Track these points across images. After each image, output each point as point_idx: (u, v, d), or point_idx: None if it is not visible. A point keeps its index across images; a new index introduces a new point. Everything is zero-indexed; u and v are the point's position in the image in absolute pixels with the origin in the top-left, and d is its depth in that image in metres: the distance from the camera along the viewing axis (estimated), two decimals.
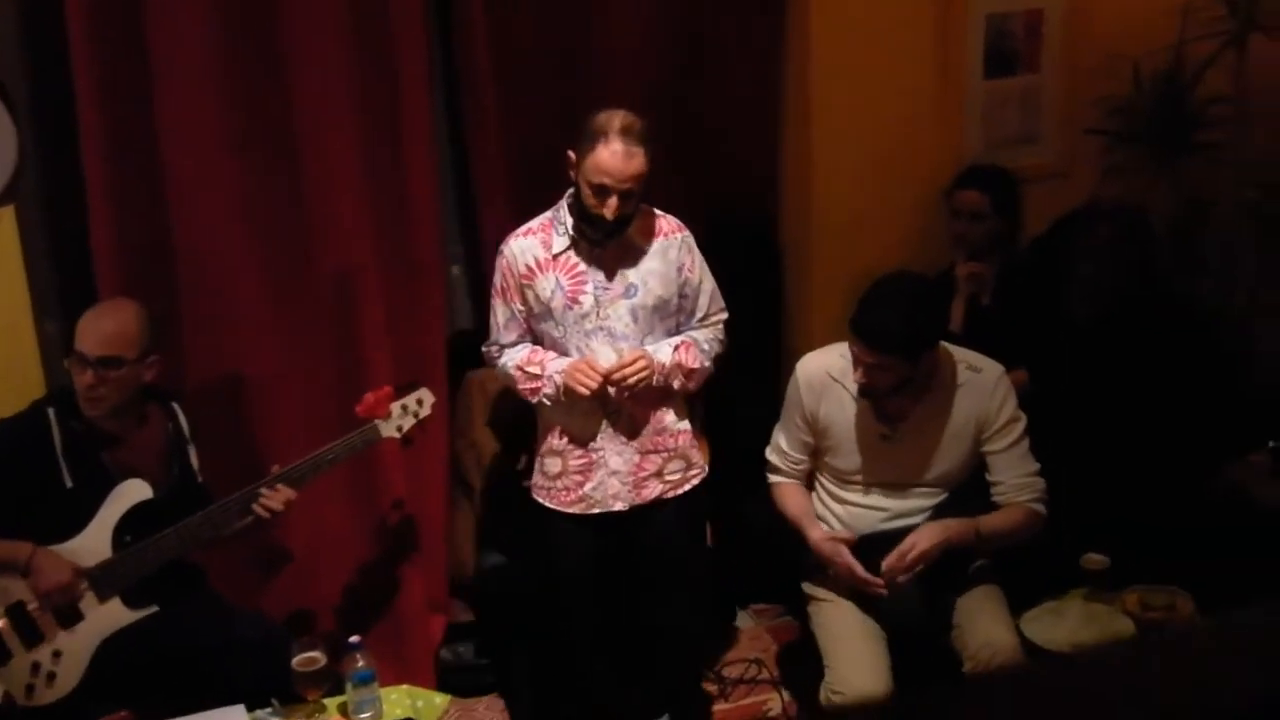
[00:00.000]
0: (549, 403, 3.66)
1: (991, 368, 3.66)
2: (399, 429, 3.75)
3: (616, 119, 3.46)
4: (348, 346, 4.16)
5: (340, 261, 4.10)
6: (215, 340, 4.04)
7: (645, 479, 3.74)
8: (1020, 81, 4.83)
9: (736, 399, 4.30)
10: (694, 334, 3.73)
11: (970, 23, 4.69)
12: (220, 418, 4.03)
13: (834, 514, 3.78)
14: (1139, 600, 3.86)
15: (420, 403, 3.80)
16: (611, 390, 3.59)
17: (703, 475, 3.83)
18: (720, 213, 4.45)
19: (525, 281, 3.63)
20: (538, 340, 3.73)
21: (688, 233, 3.70)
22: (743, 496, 4.12)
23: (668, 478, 3.77)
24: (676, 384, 3.67)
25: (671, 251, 3.64)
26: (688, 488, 3.81)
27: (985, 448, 3.64)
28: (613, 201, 3.46)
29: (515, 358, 3.70)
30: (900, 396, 3.58)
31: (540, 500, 3.81)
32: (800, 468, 3.83)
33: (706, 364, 3.73)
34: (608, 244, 3.58)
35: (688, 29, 4.43)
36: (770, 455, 3.87)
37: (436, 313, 4.28)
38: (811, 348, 3.89)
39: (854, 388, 3.61)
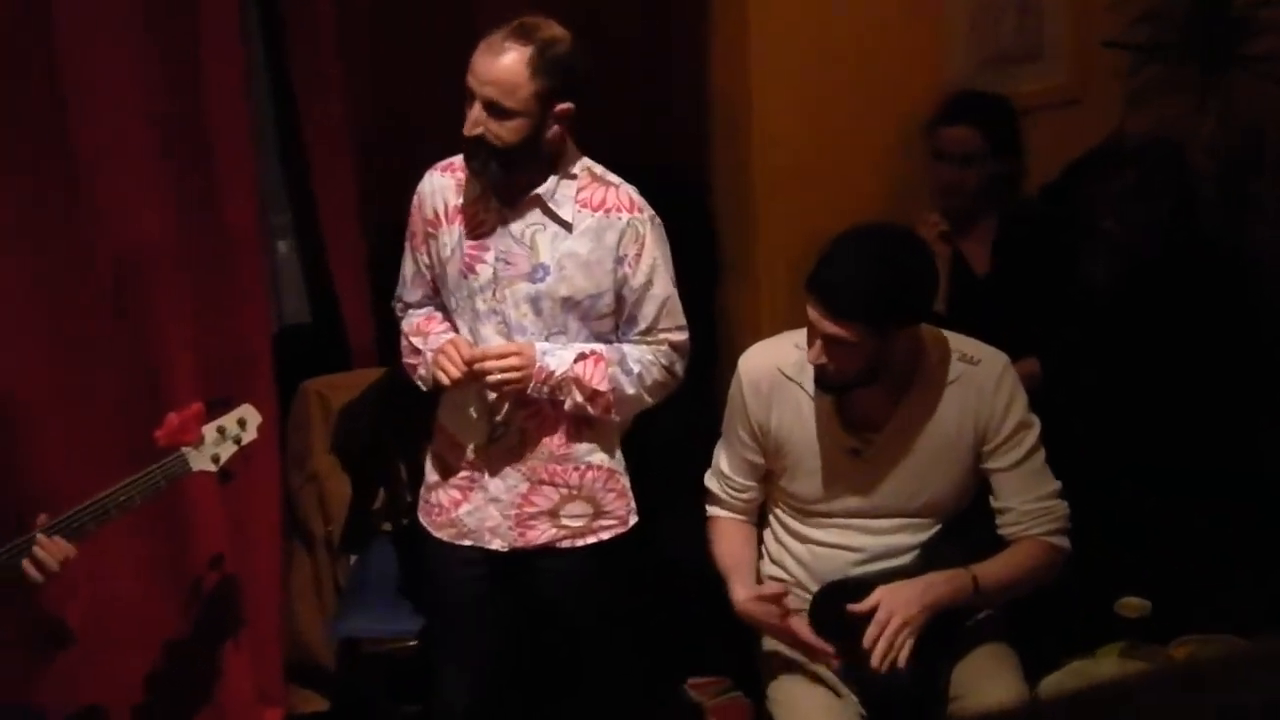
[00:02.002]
0: (424, 386, 3.72)
1: (992, 358, 3.67)
2: (214, 459, 3.75)
3: (523, 18, 3.50)
4: (139, 352, 4.14)
5: (126, 241, 4.10)
6: None
7: (533, 517, 3.74)
8: None
9: (654, 409, 4.29)
10: (626, 348, 3.70)
11: None
12: None
13: (792, 555, 3.78)
14: (1191, 655, 3.89)
15: (241, 424, 3.79)
16: (490, 395, 3.61)
17: (619, 530, 3.82)
18: (624, 163, 4.42)
19: (431, 230, 3.69)
20: (445, 306, 3.78)
21: (647, 216, 3.66)
22: (666, 536, 4.13)
23: (565, 521, 3.76)
24: (569, 404, 3.64)
25: (610, 234, 3.61)
26: (593, 540, 3.79)
27: (987, 464, 3.65)
28: (473, 111, 3.46)
29: (411, 321, 3.79)
30: (871, 393, 3.57)
31: (420, 519, 3.87)
32: (746, 497, 3.83)
33: (630, 391, 3.69)
34: (507, 194, 3.57)
35: None
36: (709, 481, 3.88)
37: (258, 303, 4.28)
38: (757, 337, 3.90)
39: (813, 386, 3.64)
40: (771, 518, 3.85)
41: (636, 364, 3.69)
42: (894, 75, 4.71)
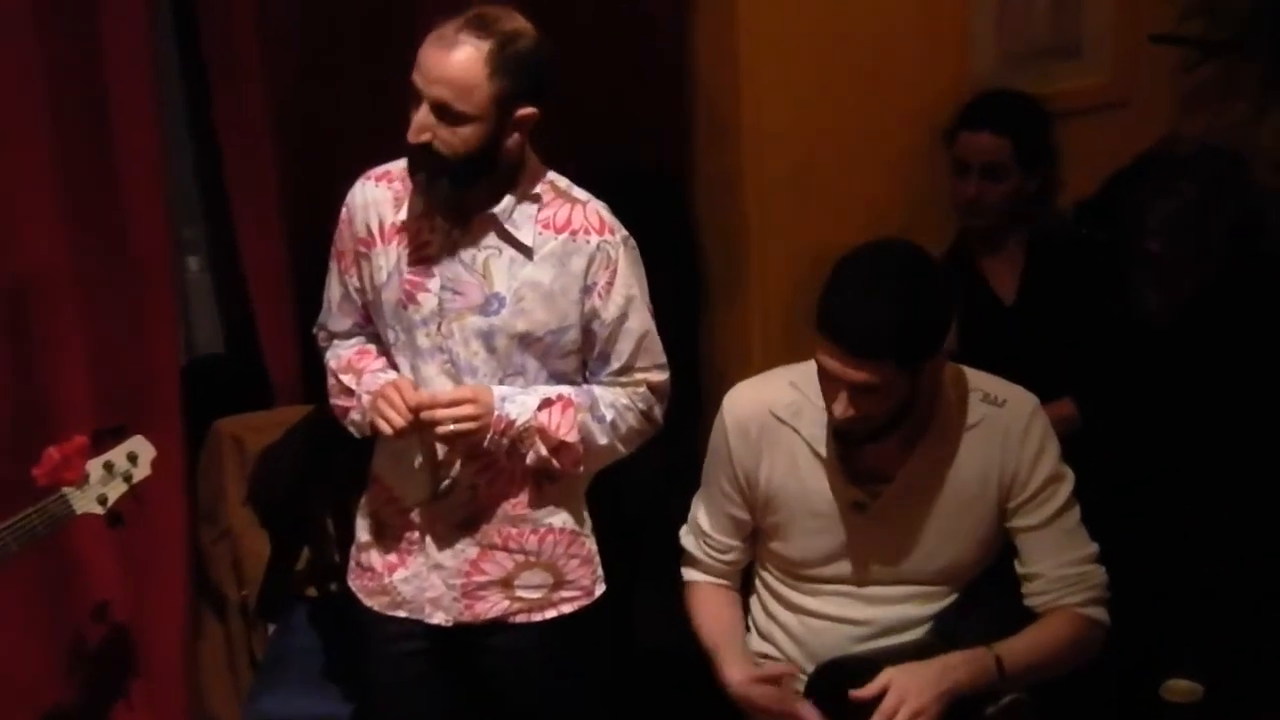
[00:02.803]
0: (357, 432, 3.68)
1: (1020, 399, 3.64)
2: (101, 500, 3.72)
3: (476, 9, 3.46)
4: (21, 376, 4.16)
5: (15, 254, 4.12)
6: None
7: (482, 587, 3.70)
8: None
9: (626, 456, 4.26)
10: (597, 391, 3.69)
11: None
12: None
13: (783, 628, 3.76)
14: None
15: (132, 459, 3.78)
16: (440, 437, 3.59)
17: (584, 603, 3.80)
18: (597, 168, 4.41)
19: (362, 249, 3.64)
20: (378, 336, 3.74)
21: (619, 238, 3.63)
22: (639, 606, 4.17)
23: (520, 593, 3.72)
24: (531, 458, 3.61)
25: (577, 259, 3.57)
26: (552, 614, 3.76)
27: (1013, 522, 3.61)
28: (419, 114, 3.41)
29: (338, 356, 3.75)
30: (883, 442, 3.55)
31: (350, 583, 3.85)
32: (729, 558, 3.80)
33: (601, 442, 3.67)
34: (456, 214, 3.53)
35: None
36: (685, 538, 3.86)
37: (164, 329, 4.29)
38: (747, 371, 3.91)
39: (810, 431, 3.62)
40: (759, 583, 3.83)
41: (609, 409, 3.67)
42: (908, 72, 4.73)
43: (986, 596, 3.65)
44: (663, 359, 3.74)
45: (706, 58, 4.72)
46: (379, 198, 3.61)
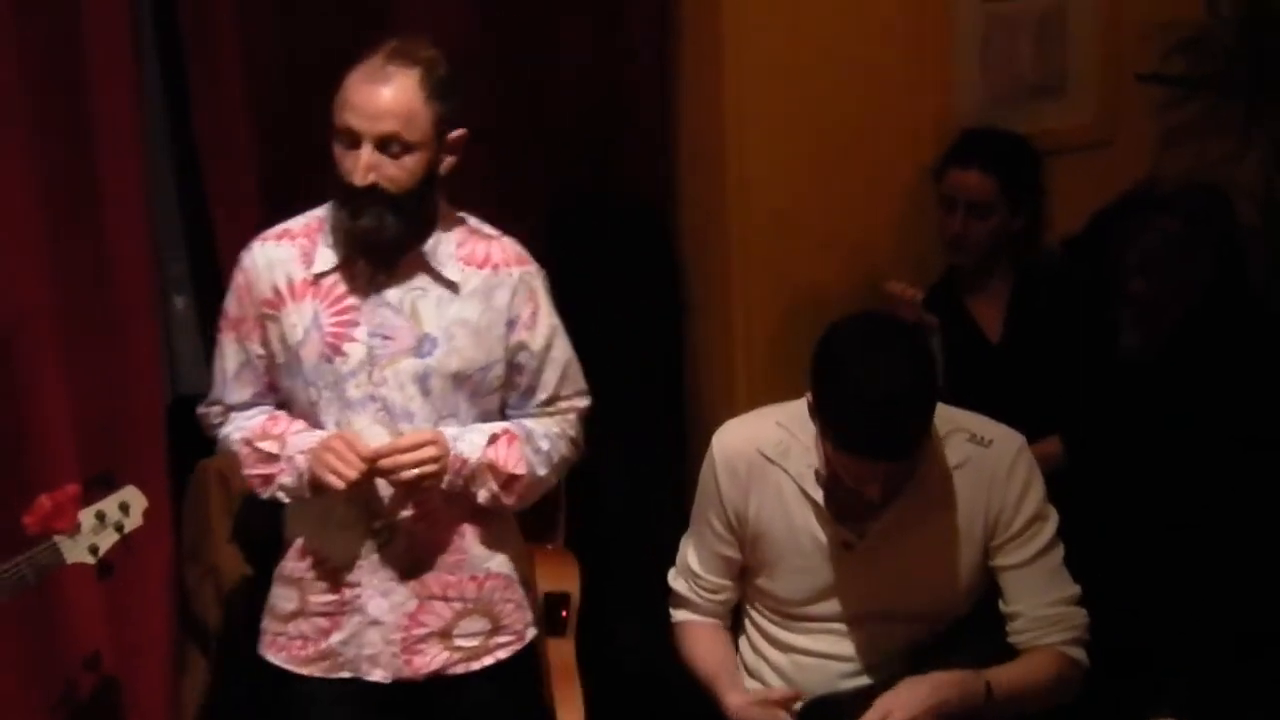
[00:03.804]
0: (287, 498, 3.63)
1: (1005, 438, 3.66)
2: (92, 550, 3.70)
3: (390, 41, 3.47)
4: (4, 415, 4.13)
5: None
6: None
7: (421, 640, 3.69)
8: (1037, 3, 4.91)
9: (610, 493, 4.27)
10: (529, 424, 3.70)
11: None
12: None
13: (772, 666, 3.77)
14: None
15: (124, 508, 3.75)
16: (382, 486, 3.54)
17: (517, 648, 3.80)
18: (580, 204, 4.45)
19: (268, 311, 3.60)
20: (283, 404, 3.69)
21: (534, 269, 3.68)
22: (621, 644, 4.06)
23: (458, 642, 3.72)
24: (483, 496, 3.62)
25: (501, 293, 3.61)
26: (490, 661, 3.75)
27: (997, 560, 3.64)
28: (363, 154, 3.39)
29: (245, 427, 3.67)
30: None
31: (269, 657, 3.78)
32: (719, 598, 3.80)
33: (541, 473, 3.69)
34: (390, 255, 3.51)
35: None
36: (675, 580, 3.86)
37: (148, 368, 4.27)
38: (732, 410, 3.92)
39: (798, 470, 3.62)
40: (747, 622, 3.83)
41: (545, 440, 3.69)
42: (893, 110, 4.75)
43: (973, 633, 3.65)
44: (584, 385, 3.77)
45: (691, 93, 4.72)
46: (283, 256, 3.58)
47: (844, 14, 4.63)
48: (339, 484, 3.45)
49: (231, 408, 3.70)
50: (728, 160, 4.66)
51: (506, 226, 4.26)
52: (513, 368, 3.65)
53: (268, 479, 3.61)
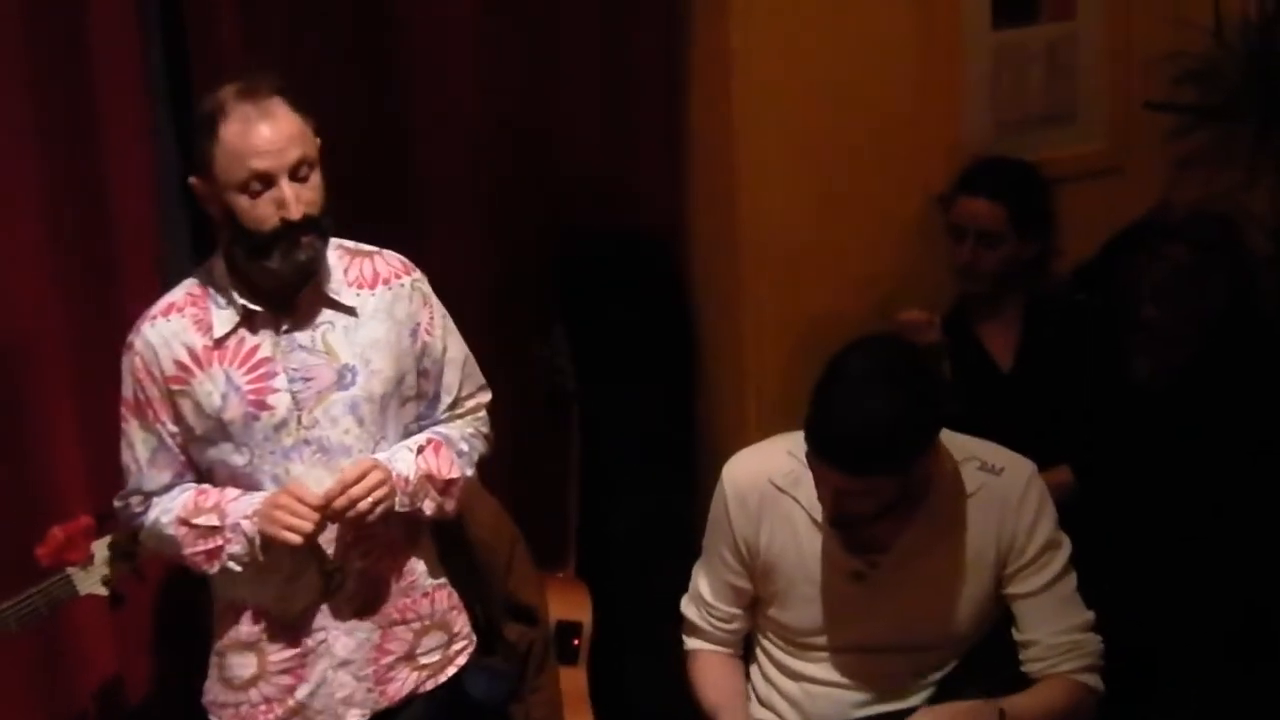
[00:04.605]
0: (238, 567, 3.53)
1: (1017, 466, 3.66)
2: (105, 581, 3.70)
3: (226, 89, 3.40)
4: (18, 455, 4.13)
5: (3, 322, 4.11)
6: None
7: (391, 666, 3.69)
8: (1047, 32, 4.90)
9: (621, 522, 4.28)
10: (443, 430, 3.71)
11: None
12: None
13: (784, 695, 3.77)
14: None
15: (136, 540, 3.72)
16: (332, 531, 3.50)
17: (471, 649, 3.83)
18: (591, 241, 4.45)
19: (176, 386, 3.52)
20: (203, 476, 3.62)
21: (420, 274, 3.69)
22: (630, 674, 4.06)
23: (422, 659, 3.73)
24: (429, 508, 3.61)
25: (400, 305, 3.61)
26: (452, 670, 3.78)
27: (1009, 588, 3.64)
28: (285, 189, 3.35)
29: (174, 509, 3.56)
30: (877, 524, 3.54)
31: None
32: (731, 627, 3.81)
33: (467, 473, 3.71)
34: (293, 294, 3.49)
35: None
36: (687, 608, 3.86)
37: None
38: (743, 441, 3.90)
39: (809, 499, 3.61)
40: (759, 651, 3.83)
41: (464, 443, 3.72)
42: (903, 139, 4.74)
43: (986, 662, 3.65)
44: (483, 380, 3.79)
45: (702, 125, 4.71)
46: (176, 329, 3.51)
47: (854, 45, 4.62)
48: (295, 539, 3.40)
49: (151, 494, 3.60)
50: (738, 192, 4.65)
51: (517, 263, 4.29)
52: (420, 374, 3.65)
53: (213, 553, 3.51)
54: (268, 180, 3.35)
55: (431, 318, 3.66)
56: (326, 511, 3.41)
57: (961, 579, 3.63)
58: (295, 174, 3.36)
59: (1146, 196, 4.87)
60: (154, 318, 3.53)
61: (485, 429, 3.78)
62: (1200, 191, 4.88)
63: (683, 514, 4.44)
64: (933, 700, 3.63)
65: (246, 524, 3.46)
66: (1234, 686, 4.24)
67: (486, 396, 3.80)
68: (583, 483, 4.45)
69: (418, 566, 3.69)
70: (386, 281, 3.59)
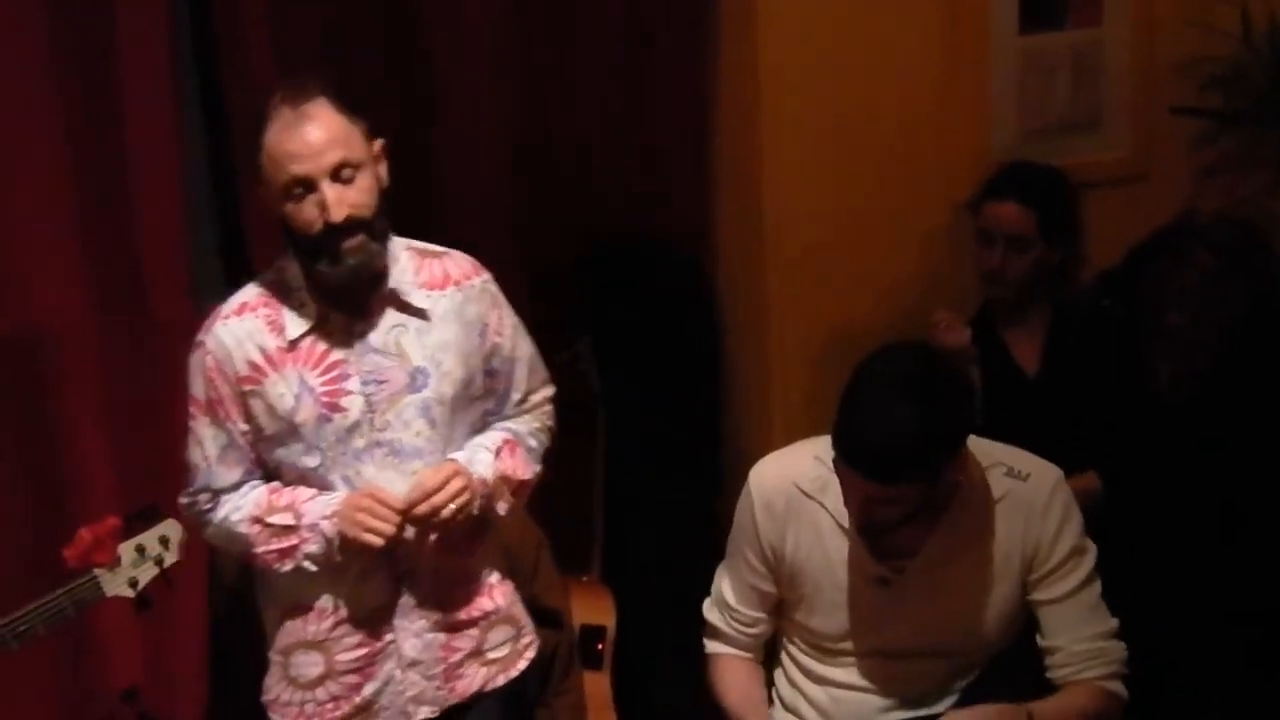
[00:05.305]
0: (314, 567, 3.54)
1: (1043, 472, 3.66)
2: (132, 584, 3.68)
3: (275, 95, 3.42)
4: (44, 453, 4.16)
5: (32, 326, 4.15)
6: None
7: (460, 664, 3.69)
8: (1073, 38, 4.90)
9: (646, 527, 4.28)
10: (514, 426, 3.72)
11: None
12: None
13: (809, 701, 3.77)
14: None
15: (164, 542, 3.72)
16: (410, 533, 3.49)
17: (536, 641, 3.83)
18: (619, 249, 4.48)
19: (248, 387, 3.53)
20: (271, 474, 3.62)
21: (489, 275, 3.68)
22: (655, 677, 4.06)
23: (490, 654, 3.73)
24: (503, 508, 3.63)
25: (471, 306, 3.61)
26: (523, 665, 3.79)
27: (1035, 595, 3.64)
28: (326, 192, 3.36)
29: (245, 507, 3.58)
30: (902, 531, 3.55)
31: None
32: (754, 631, 3.81)
33: (536, 468, 3.73)
34: (364, 297, 3.50)
35: None
36: (710, 612, 3.86)
37: (185, 404, 4.19)
38: (768, 447, 3.89)
39: (835, 505, 3.61)
40: (784, 656, 3.84)
41: (533, 439, 3.73)
42: (930, 147, 4.76)
43: (1011, 668, 3.66)
44: (547, 373, 3.78)
45: (729, 135, 4.72)
46: (250, 329, 3.51)
47: (880, 53, 4.62)
48: (377, 541, 3.41)
49: (219, 491, 3.60)
50: (764, 200, 4.67)
51: (545, 272, 4.30)
52: (489, 374, 3.65)
53: (286, 552, 3.53)
54: (309, 184, 3.35)
55: (501, 318, 3.66)
56: (408, 516, 3.43)
57: (988, 585, 3.63)
58: (337, 176, 3.36)
59: (1172, 203, 4.86)
60: (226, 317, 3.53)
61: (550, 422, 3.78)
62: (1226, 198, 4.88)
63: (707, 519, 4.44)
64: (958, 706, 3.63)
65: (326, 524, 3.47)
66: (1255, 695, 4.23)
67: (551, 390, 3.79)
68: (607, 488, 4.46)
69: (483, 563, 3.70)
70: (457, 283, 3.59)
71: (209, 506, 3.61)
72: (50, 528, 3.91)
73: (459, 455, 3.55)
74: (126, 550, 3.67)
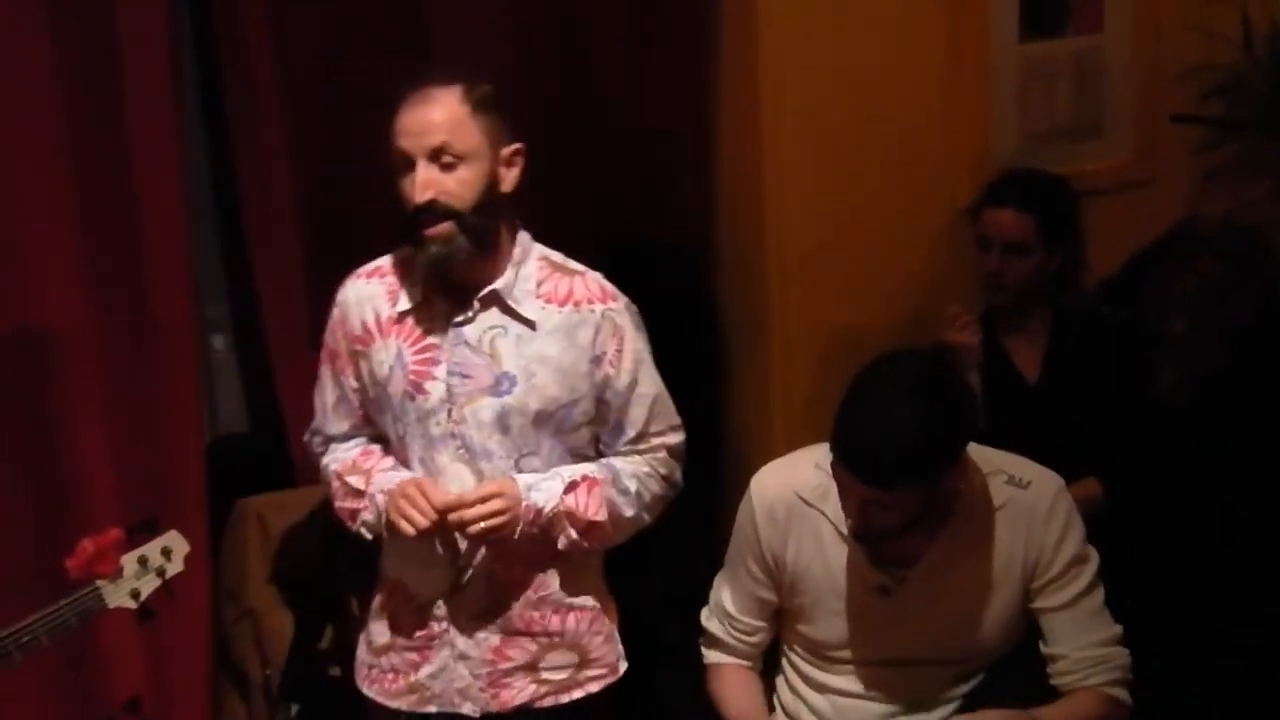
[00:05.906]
0: (369, 534, 3.62)
1: (1044, 480, 3.66)
2: (134, 595, 3.67)
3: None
4: (45, 463, 4.14)
5: (32, 331, 4.13)
6: None
7: (508, 673, 3.66)
8: (1074, 45, 4.92)
9: (645, 532, 4.28)
10: (617, 464, 3.66)
11: None
12: None
13: (811, 708, 3.76)
14: None
15: (166, 554, 3.72)
16: (457, 535, 3.52)
17: (610, 680, 3.76)
18: (621, 251, 4.47)
19: (359, 347, 3.61)
20: (378, 437, 3.70)
21: (621, 305, 3.62)
22: (655, 685, 4.09)
23: (545, 675, 3.69)
24: (562, 543, 3.58)
25: (585, 330, 3.56)
26: (579, 694, 3.72)
27: (1037, 602, 3.63)
28: (419, 171, 3.39)
29: (340, 459, 3.69)
30: (903, 539, 3.55)
31: (364, 690, 3.77)
32: (754, 640, 3.81)
33: (628, 514, 3.64)
34: (466, 289, 3.50)
35: None
36: (708, 621, 3.85)
37: (188, 408, 4.30)
38: (770, 454, 3.87)
39: (836, 513, 3.60)
40: (785, 663, 3.83)
41: (632, 480, 3.64)
42: (930, 153, 4.77)
43: (1014, 675, 3.65)
44: (677, 420, 3.71)
45: (730, 137, 4.72)
46: (372, 293, 3.59)
47: (881, 58, 4.63)
48: (410, 530, 3.43)
49: (331, 438, 3.73)
50: (766, 204, 4.66)
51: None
52: (600, 405, 3.60)
53: (352, 513, 3.63)
54: (409, 161, 3.39)
55: (620, 350, 3.59)
56: (443, 518, 3.45)
57: (989, 593, 3.62)
58: (436, 158, 3.39)
59: (1173, 210, 4.87)
60: (360, 275, 3.64)
61: (666, 470, 3.70)
62: (1227, 204, 4.89)
63: (709, 524, 4.43)
64: (960, 712, 3.64)
65: (381, 498, 3.55)
66: (1257, 699, 4.23)
67: (676, 438, 3.72)
68: None
69: (553, 581, 3.65)
70: (576, 304, 3.55)
71: (321, 450, 3.76)
72: (50, 528, 3.94)
73: (526, 478, 3.53)
74: (129, 561, 3.66)
